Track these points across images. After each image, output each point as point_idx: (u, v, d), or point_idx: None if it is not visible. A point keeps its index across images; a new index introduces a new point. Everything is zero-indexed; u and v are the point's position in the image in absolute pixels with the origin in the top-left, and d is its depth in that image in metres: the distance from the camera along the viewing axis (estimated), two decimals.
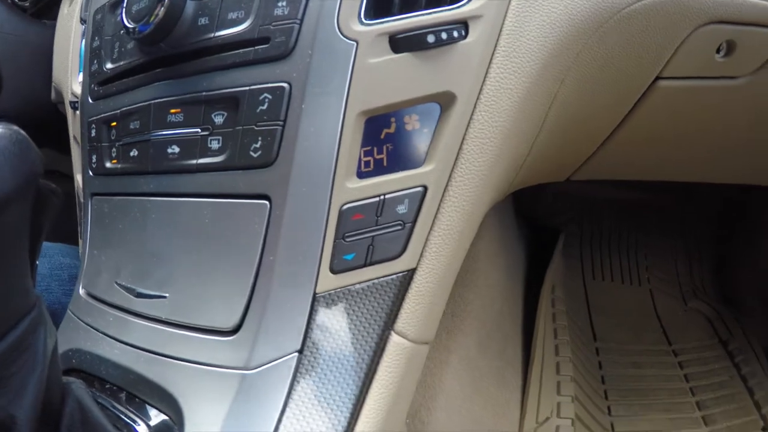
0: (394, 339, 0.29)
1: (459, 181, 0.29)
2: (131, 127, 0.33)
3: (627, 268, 1.16)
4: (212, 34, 0.28)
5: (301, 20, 0.26)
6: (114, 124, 0.35)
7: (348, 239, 0.27)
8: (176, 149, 0.29)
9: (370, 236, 0.28)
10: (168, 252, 0.30)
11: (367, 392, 0.27)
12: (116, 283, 0.32)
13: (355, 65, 0.26)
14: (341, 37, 0.26)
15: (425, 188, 0.28)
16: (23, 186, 0.19)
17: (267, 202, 0.26)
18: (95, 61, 0.38)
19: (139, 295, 0.30)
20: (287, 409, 0.25)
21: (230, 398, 0.25)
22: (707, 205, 1.08)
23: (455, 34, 0.26)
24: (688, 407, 0.80)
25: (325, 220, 0.27)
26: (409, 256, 0.29)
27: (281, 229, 0.26)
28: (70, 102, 0.45)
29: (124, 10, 0.30)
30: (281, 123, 0.26)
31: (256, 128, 0.26)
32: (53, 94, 0.60)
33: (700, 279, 1.10)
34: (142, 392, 0.29)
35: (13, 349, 0.19)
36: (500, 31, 0.27)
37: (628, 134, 0.42)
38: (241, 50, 0.27)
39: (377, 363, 0.28)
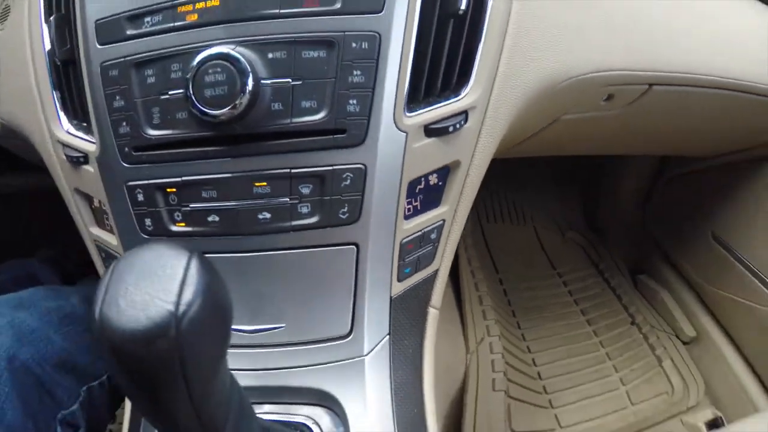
0: (431, 311, 0.48)
1: (460, 213, 0.47)
2: (204, 195, 0.40)
3: (514, 212, 1.46)
4: (289, 120, 0.38)
5: (369, 116, 0.38)
6: (172, 190, 0.41)
7: (406, 260, 0.44)
8: (267, 215, 0.40)
9: (417, 256, 0.44)
10: (273, 293, 0.41)
11: (423, 346, 0.47)
12: None
13: (406, 149, 0.40)
14: (397, 129, 0.39)
15: (444, 221, 0.45)
16: None
17: (355, 247, 0.41)
18: (124, 123, 0.41)
19: (254, 331, 0.42)
20: (392, 367, 0.44)
21: (363, 376, 0.42)
22: (575, 157, 1.40)
23: (462, 122, 0.42)
24: (575, 315, 1.14)
25: (392, 251, 0.42)
26: (437, 262, 0.47)
27: (367, 263, 0.41)
28: (72, 156, 0.46)
29: (193, 94, 0.36)
30: (361, 194, 0.39)
31: (342, 198, 0.39)
32: None
33: (572, 215, 1.45)
34: (288, 399, 0.43)
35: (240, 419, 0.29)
36: (484, 116, 0.43)
37: (533, 141, 0.63)
38: (323, 137, 0.38)
39: (424, 327, 0.48)
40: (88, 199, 0.49)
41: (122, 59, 0.40)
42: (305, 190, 0.39)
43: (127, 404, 0.51)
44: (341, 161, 0.39)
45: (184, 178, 0.41)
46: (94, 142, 0.43)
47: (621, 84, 0.53)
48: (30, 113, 0.49)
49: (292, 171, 0.39)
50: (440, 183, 0.45)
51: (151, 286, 0.23)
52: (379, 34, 0.37)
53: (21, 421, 0.54)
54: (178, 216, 0.42)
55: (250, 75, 0.35)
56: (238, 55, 0.36)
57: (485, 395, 0.84)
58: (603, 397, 0.95)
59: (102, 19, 0.40)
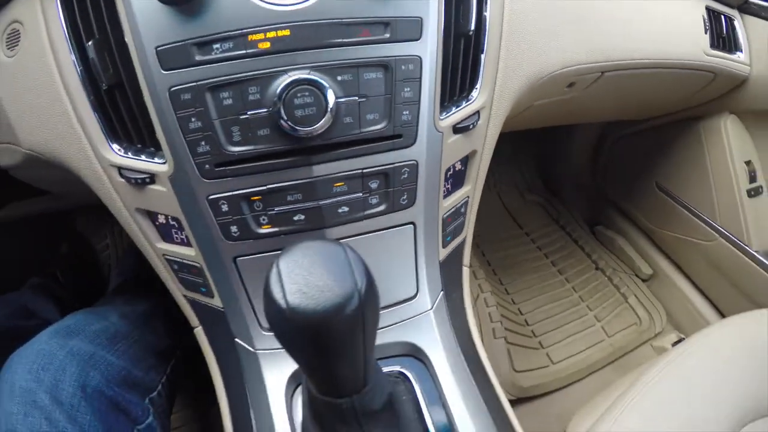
0: (465, 269, 0.65)
1: (478, 190, 0.63)
2: (290, 198, 0.49)
3: None
4: (359, 131, 0.48)
5: (417, 123, 0.51)
6: (257, 197, 0.48)
7: (447, 230, 0.59)
8: (346, 209, 0.51)
9: (454, 226, 0.60)
10: None
11: (464, 296, 0.63)
12: None
13: (443, 145, 0.54)
14: (436, 130, 0.53)
15: (468, 197, 0.60)
16: None
17: (412, 226, 0.55)
18: (202, 143, 0.46)
19: None
20: (450, 315, 0.60)
21: (432, 325, 0.58)
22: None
23: (477, 120, 0.56)
24: (546, 267, 1.35)
25: (437, 225, 0.57)
26: (465, 229, 0.63)
27: (422, 237, 0.56)
28: (134, 178, 0.49)
29: (285, 115, 0.44)
30: (415, 183, 0.53)
31: (402, 188, 0.53)
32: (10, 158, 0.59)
33: (530, 179, 1.66)
34: (380, 354, 0.56)
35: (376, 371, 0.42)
36: (490, 114, 0.58)
37: (508, 123, 0.79)
38: (385, 142, 0.50)
39: (462, 282, 0.64)
40: (151, 216, 0.54)
41: (194, 84, 0.44)
42: (374, 185, 0.52)
43: (225, 411, 0.58)
44: (399, 159, 0.52)
45: (269, 186, 0.48)
46: (162, 163, 0.48)
47: (581, 74, 0.71)
48: (69, 141, 0.51)
49: (364, 171, 0.50)
50: (463, 168, 0.60)
51: (328, 272, 0.30)
52: (420, 57, 0.50)
53: None
54: (264, 219, 0.50)
55: (333, 96, 0.45)
56: (321, 80, 0.44)
57: (489, 343, 1.02)
58: (583, 334, 1.17)
59: (163, 45, 0.44)
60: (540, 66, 0.63)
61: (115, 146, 0.50)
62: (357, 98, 0.47)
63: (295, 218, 0.51)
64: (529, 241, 1.47)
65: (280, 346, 0.53)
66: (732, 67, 0.92)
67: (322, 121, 0.45)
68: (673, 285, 1.24)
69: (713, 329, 0.76)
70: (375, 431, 0.42)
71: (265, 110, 0.45)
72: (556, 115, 0.96)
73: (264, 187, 0.49)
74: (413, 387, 0.55)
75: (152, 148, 0.50)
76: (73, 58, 0.47)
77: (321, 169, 0.50)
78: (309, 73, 0.45)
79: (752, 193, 1.06)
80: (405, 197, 0.53)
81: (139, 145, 0.50)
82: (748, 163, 1.06)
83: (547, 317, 1.20)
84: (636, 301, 1.25)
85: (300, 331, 0.31)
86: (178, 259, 0.55)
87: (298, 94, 0.44)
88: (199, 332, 0.62)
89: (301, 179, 0.49)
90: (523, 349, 1.10)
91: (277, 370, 0.57)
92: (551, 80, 0.66)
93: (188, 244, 0.53)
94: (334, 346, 0.32)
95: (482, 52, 0.56)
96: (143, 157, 0.50)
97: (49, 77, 0.49)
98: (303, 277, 0.31)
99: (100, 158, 0.50)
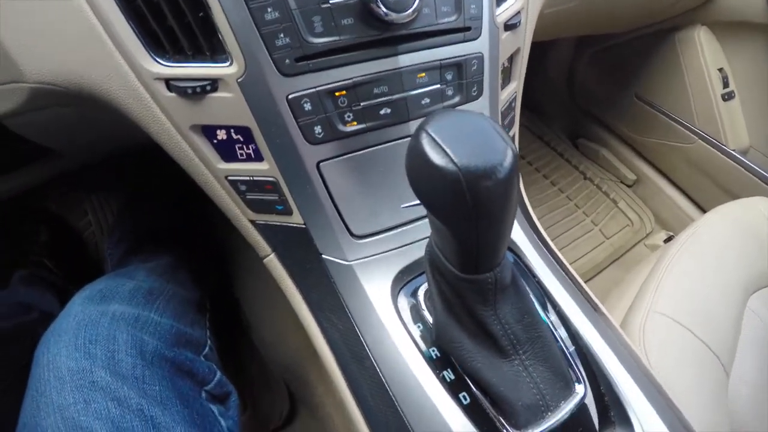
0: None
1: (520, 85, 0.77)
2: (376, 91, 0.53)
3: None
4: (436, 22, 0.54)
5: (481, 16, 0.61)
6: (342, 93, 0.51)
7: (504, 123, 0.72)
8: (428, 100, 0.58)
9: (509, 119, 0.73)
10: None
11: (521, 190, 0.76)
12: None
13: (499, 40, 0.66)
14: (494, 26, 0.65)
15: (516, 93, 0.74)
16: None
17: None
18: (281, 35, 0.47)
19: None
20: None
21: None
22: None
23: (520, 20, 0.69)
24: (540, 179, 1.55)
25: (498, 116, 0.70)
26: (516, 125, 0.77)
27: None
28: (192, 87, 0.47)
29: (381, 0, 0.47)
30: (482, 75, 0.65)
31: (472, 80, 0.64)
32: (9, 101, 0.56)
33: None
34: None
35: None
36: (527, 16, 0.71)
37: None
38: (457, 34, 0.58)
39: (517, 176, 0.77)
40: (207, 134, 0.53)
41: None
42: (449, 77, 0.61)
43: (318, 337, 0.61)
44: (469, 51, 0.62)
45: (355, 79, 0.52)
46: (227, 65, 0.48)
47: None
48: (96, 59, 0.49)
49: (442, 62, 0.58)
50: (509, 65, 0.74)
51: (479, 134, 0.34)
52: None
53: (183, 415, 0.54)
54: (349, 116, 0.53)
55: None
56: None
57: None
58: (585, 237, 1.38)
59: None
60: None
61: (160, 58, 0.49)
62: None
63: (381, 112, 0.55)
64: (519, 158, 1.64)
65: (375, 253, 0.62)
66: None
67: (413, 6, 0.49)
68: (657, 188, 1.47)
69: (707, 219, 0.91)
70: (505, 307, 0.47)
71: None
72: (557, 27, 1.11)
73: (350, 81, 0.52)
74: None
75: (208, 53, 0.49)
76: None
77: (405, 60, 0.55)
78: None
79: (726, 97, 1.27)
80: (475, 89, 0.65)
81: (190, 53, 0.49)
82: (720, 70, 1.28)
83: (550, 225, 1.39)
84: (626, 206, 1.47)
85: (472, 192, 0.33)
86: (247, 178, 0.56)
87: None
88: (271, 260, 0.63)
89: (387, 70, 0.54)
90: None
91: (377, 278, 0.60)
92: None
93: (258, 159, 0.54)
94: (497, 207, 0.35)
95: None
96: (198, 63, 0.49)
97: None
98: (459, 140, 0.33)
99: (140, 73, 0.49)
